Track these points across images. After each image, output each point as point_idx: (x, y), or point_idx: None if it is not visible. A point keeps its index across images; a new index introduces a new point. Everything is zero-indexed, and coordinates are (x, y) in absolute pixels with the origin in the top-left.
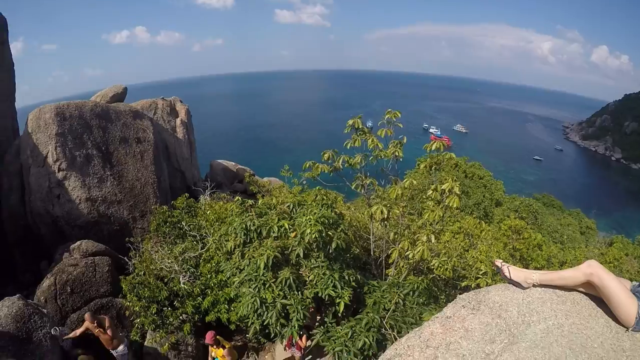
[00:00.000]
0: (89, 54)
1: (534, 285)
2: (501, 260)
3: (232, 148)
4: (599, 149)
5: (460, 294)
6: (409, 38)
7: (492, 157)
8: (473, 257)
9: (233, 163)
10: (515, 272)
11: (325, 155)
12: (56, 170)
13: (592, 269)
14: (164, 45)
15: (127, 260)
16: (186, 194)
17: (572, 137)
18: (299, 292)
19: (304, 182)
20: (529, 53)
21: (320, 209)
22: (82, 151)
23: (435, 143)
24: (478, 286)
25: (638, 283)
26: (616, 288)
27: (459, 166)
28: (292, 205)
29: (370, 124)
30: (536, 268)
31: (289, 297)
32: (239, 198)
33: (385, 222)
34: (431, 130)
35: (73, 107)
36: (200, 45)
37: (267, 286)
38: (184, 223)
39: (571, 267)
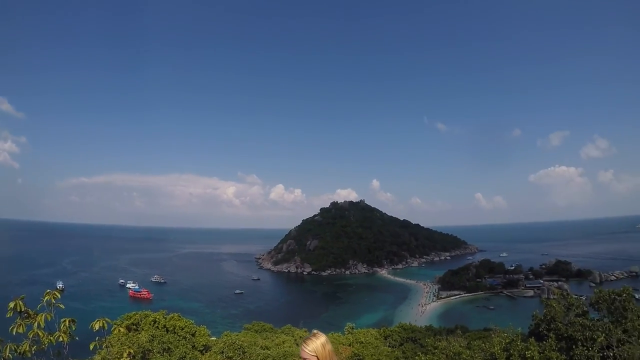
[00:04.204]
0: None
1: None
2: None
3: None
4: (291, 268)
5: None
6: (103, 188)
7: (195, 301)
8: None
9: None
10: None
11: None
12: None
13: None
14: None
15: None
16: None
17: (266, 265)
18: None
19: None
20: (216, 198)
21: None
22: None
23: (99, 322)
24: None
25: None
26: None
27: (157, 322)
28: None
29: (61, 285)
30: None
31: None
32: None
33: None
34: (128, 286)
35: None
36: None
37: None
38: None
39: None
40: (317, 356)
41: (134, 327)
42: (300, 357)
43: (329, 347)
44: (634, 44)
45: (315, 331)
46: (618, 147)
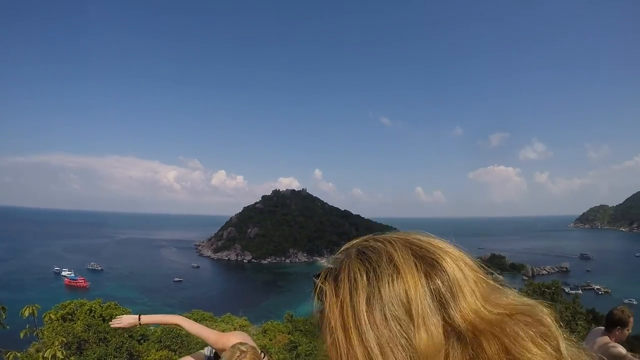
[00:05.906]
0: None
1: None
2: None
3: None
4: (231, 256)
5: None
6: (38, 169)
7: (132, 290)
8: None
9: None
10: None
11: None
12: None
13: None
14: None
15: None
16: None
17: (206, 252)
18: None
19: None
20: (156, 183)
21: None
22: None
23: (28, 309)
24: None
25: None
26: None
27: (93, 311)
28: None
29: None
30: None
31: None
32: None
33: None
34: (64, 274)
35: None
36: None
37: None
38: None
39: None
40: None
41: (69, 316)
42: None
43: None
44: (578, 52)
45: (238, 345)
46: (554, 151)
